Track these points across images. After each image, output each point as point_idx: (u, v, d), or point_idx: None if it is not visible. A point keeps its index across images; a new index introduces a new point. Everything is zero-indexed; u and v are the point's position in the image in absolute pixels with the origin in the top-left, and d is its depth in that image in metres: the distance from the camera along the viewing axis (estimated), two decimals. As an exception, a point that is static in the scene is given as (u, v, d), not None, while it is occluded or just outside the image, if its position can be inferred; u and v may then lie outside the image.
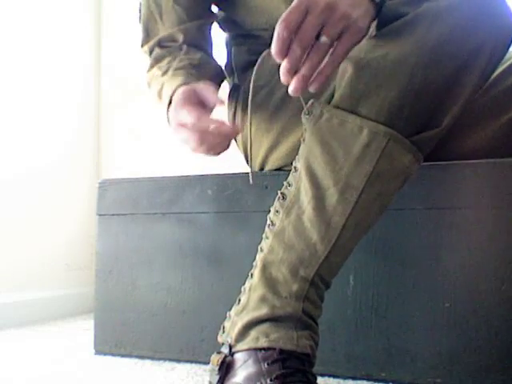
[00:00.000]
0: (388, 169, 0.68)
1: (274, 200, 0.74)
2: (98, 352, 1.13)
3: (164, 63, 0.98)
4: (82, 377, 0.96)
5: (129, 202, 1.12)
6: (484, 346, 0.84)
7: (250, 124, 0.99)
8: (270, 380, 0.65)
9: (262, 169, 1.01)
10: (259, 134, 0.97)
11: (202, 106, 0.85)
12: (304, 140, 0.72)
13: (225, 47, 1.08)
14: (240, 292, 0.75)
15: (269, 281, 0.70)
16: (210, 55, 1.04)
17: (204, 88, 0.87)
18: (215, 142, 0.79)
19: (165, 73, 0.96)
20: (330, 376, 0.92)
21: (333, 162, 0.68)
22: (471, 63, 0.66)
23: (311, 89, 0.67)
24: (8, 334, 1.39)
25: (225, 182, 1.03)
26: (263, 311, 0.69)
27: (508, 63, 0.92)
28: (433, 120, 0.68)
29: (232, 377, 0.69)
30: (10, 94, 1.61)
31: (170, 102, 0.89)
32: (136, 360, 1.08)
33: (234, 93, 1.05)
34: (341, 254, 0.70)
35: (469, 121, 0.91)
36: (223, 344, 0.72)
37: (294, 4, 0.63)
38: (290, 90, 0.65)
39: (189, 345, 1.05)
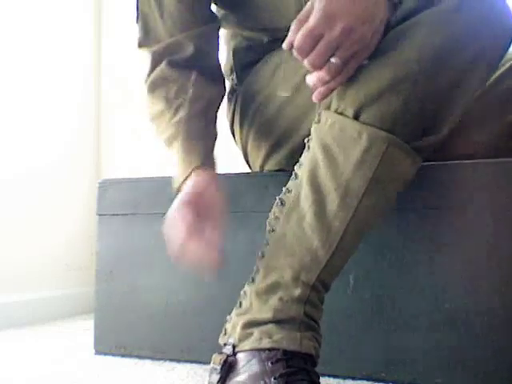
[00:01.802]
0: (388, 174, 0.68)
1: (275, 200, 0.74)
2: (98, 352, 1.13)
3: (172, 92, 0.90)
4: (82, 377, 0.96)
5: (129, 202, 1.12)
6: (484, 346, 0.84)
7: (250, 127, 0.99)
8: (274, 378, 0.65)
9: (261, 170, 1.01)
10: (258, 137, 0.97)
11: (204, 210, 0.79)
12: (309, 148, 0.72)
13: (224, 44, 1.04)
14: (239, 295, 0.75)
15: (270, 286, 0.71)
16: (217, 60, 0.97)
17: (212, 199, 0.83)
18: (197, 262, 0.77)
19: (174, 115, 0.89)
20: (329, 376, 0.92)
21: (334, 166, 0.68)
22: (473, 68, 0.66)
23: (315, 99, 0.69)
24: (8, 334, 1.39)
25: (225, 182, 1.03)
26: (266, 315, 0.69)
27: (509, 64, 0.92)
28: (434, 125, 0.68)
29: (235, 376, 0.69)
30: (10, 94, 1.61)
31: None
32: (136, 360, 1.08)
33: (232, 95, 1.05)
34: (341, 258, 0.71)
35: (469, 121, 0.91)
36: (225, 345, 0.72)
37: (309, 26, 0.63)
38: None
39: (189, 345, 1.05)
